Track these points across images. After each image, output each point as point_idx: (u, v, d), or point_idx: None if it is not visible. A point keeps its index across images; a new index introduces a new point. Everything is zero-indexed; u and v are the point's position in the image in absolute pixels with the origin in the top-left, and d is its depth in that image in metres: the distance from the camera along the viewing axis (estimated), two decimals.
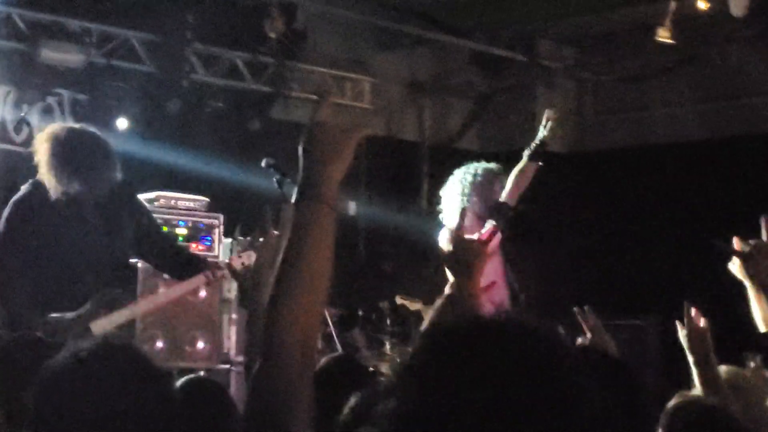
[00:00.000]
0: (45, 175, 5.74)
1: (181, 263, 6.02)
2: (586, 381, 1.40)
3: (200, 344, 8.07)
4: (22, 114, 8.98)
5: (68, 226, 5.75)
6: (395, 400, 1.41)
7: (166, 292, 6.28)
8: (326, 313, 6.20)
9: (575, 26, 11.36)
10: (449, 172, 7.17)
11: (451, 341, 1.43)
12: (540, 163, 6.93)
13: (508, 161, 8.36)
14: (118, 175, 5.90)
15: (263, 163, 6.04)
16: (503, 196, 6.83)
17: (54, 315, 5.47)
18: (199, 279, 5.85)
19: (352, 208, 11.36)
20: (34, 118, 9.13)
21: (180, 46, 9.40)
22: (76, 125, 6.04)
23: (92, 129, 6.05)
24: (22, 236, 5.70)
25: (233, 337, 8.27)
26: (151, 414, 1.97)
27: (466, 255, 3.10)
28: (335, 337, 6.18)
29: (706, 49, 10.86)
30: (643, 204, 11.40)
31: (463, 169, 6.90)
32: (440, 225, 6.82)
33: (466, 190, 6.82)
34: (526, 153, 6.94)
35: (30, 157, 7.68)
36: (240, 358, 7.76)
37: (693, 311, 4.07)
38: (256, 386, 1.98)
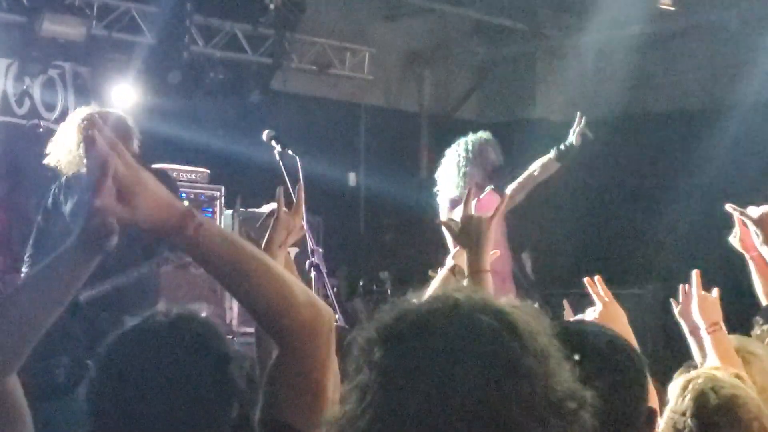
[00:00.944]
0: (62, 155, 5.98)
1: None
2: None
3: (203, 315, 8.12)
4: (24, 87, 9.00)
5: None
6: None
7: None
8: (327, 284, 6.24)
9: None
10: (449, 143, 7.25)
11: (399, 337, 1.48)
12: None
13: (508, 131, 8.40)
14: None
15: (264, 135, 6.08)
16: (514, 184, 6.96)
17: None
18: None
19: (351, 179, 11.38)
20: (36, 91, 9.16)
21: (180, 17, 9.40)
22: (101, 109, 6.27)
23: (113, 110, 6.30)
24: (54, 223, 5.96)
25: (236, 308, 8.32)
26: (205, 393, 1.99)
27: (475, 230, 3.24)
28: (337, 307, 6.22)
29: (708, 15, 10.84)
30: (644, 172, 11.42)
31: (454, 146, 7.05)
32: (437, 203, 6.95)
33: (462, 164, 6.94)
34: (553, 151, 7.10)
35: (32, 129, 7.76)
36: (243, 329, 7.82)
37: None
38: (277, 374, 2.00)
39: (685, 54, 11.50)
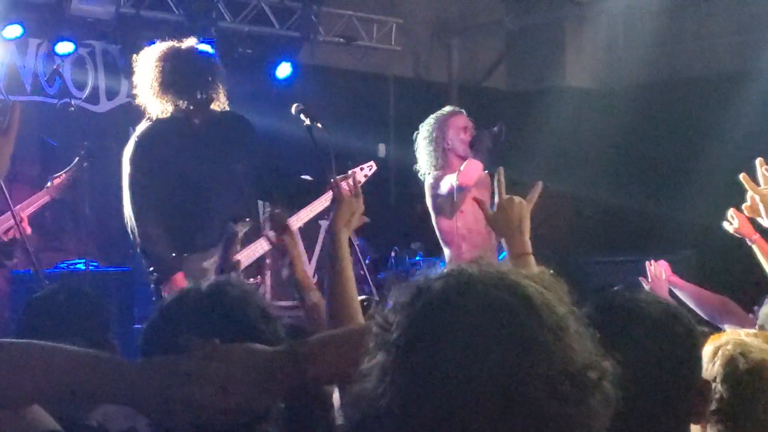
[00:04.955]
0: (150, 96, 5.97)
1: (294, 195, 6.27)
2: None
3: (236, 280, 8.16)
4: (55, 66, 9.06)
5: (184, 148, 5.99)
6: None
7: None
8: (359, 254, 6.28)
9: None
10: (479, 112, 7.27)
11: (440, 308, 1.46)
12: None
13: (538, 99, 8.36)
14: (215, 92, 6.12)
15: (293, 109, 6.10)
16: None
17: (188, 255, 5.74)
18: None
19: (381, 150, 11.39)
20: (66, 70, 9.23)
21: None
22: (179, 44, 6.28)
23: (192, 47, 6.26)
24: (148, 172, 5.88)
25: (268, 282, 8.37)
26: None
27: (517, 215, 3.21)
28: (369, 279, 6.26)
29: None
30: (674, 137, 11.36)
31: (421, 129, 7.10)
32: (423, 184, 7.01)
33: (433, 135, 7.02)
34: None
35: (63, 108, 7.77)
36: (276, 302, 7.87)
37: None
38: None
39: (714, 17, 11.41)
